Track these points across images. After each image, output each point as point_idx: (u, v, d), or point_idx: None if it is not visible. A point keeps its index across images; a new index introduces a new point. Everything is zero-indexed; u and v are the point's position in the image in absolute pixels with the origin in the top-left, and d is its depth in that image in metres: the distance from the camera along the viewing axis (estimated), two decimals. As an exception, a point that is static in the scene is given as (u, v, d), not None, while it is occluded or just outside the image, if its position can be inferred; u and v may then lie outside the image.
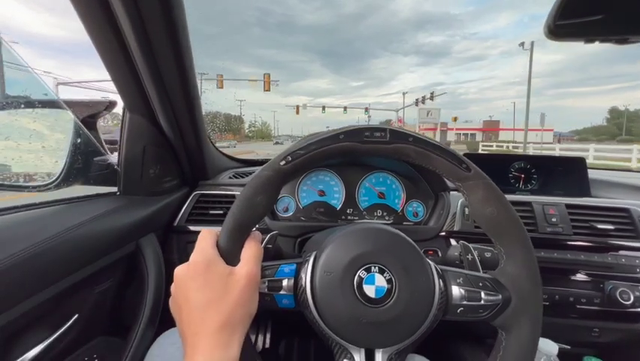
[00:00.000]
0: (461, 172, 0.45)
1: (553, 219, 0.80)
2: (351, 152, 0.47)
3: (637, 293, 0.74)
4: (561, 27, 0.49)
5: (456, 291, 0.44)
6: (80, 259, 0.57)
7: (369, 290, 0.42)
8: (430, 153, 0.46)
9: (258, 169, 0.47)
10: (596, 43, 0.52)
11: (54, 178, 0.70)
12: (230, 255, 0.42)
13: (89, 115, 0.72)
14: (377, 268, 0.43)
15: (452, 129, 41.86)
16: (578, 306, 0.77)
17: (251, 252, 0.43)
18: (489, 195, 0.45)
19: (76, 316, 0.58)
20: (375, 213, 0.91)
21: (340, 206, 0.91)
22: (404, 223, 0.89)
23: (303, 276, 0.45)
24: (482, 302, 0.43)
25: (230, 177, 1.02)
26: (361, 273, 0.43)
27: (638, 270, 0.76)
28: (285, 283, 0.45)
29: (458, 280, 0.45)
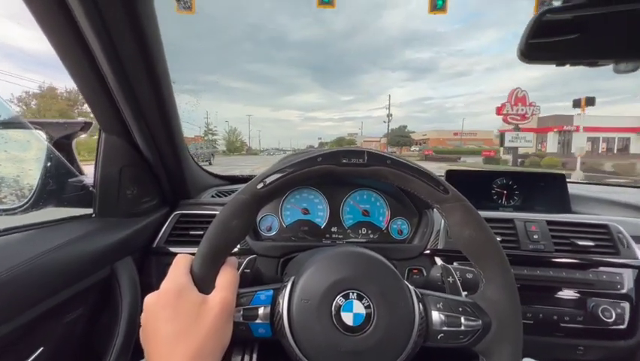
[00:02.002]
0: (439, 194, 0.45)
1: (535, 236, 0.81)
2: (329, 174, 0.47)
3: (618, 310, 0.74)
4: (532, 51, 0.51)
5: (436, 316, 0.43)
6: (48, 288, 0.54)
7: (347, 318, 0.41)
8: (407, 175, 0.46)
9: (241, 186, 0.46)
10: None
11: (24, 201, 0.68)
12: (203, 282, 0.41)
13: (63, 136, 0.70)
14: (355, 294, 0.42)
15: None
16: (562, 324, 0.77)
17: (225, 278, 0.42)
18: (467, 218, 0.45)
19: (41, 349, 0.55)
20: (360, 231, 0.90)
21: (324, 224, 0.90)
22: (389, 241, 0.88)
23: (280, 303, 0.43)
24: (462, 328, 0.42)
25: (212, 196, 1.00)
26: (339, 300, 0.42)
27: (618, 286, 0.77)
28: (261, 311, 0.43)
29: (438, 305, 0.44)
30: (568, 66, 0.54)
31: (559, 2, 0.50)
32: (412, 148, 52.56)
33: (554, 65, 0.55)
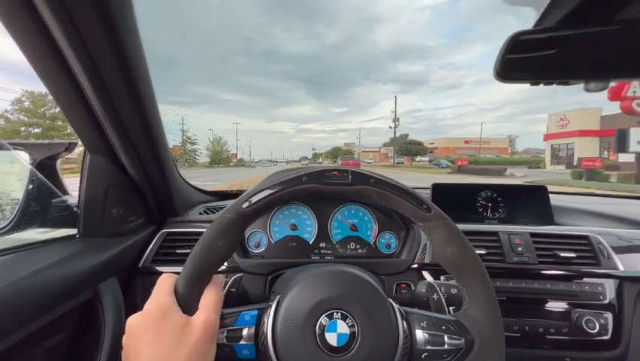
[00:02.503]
0: (422, 213, 0.46)
1: (519, 249, 0.82)
2: (314, 193, 0.48)
3: (602, 321, 0.76)
4: (507, 71, 0.53)
5: (420, 335, 0.43)
6: (28, 314, 0.53)
7: (332, 338, 0.41)
8: (390, 194, 0.47)
9: (230, 202, 0.47)
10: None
11: (6, 223, 0.67)
12: (187, 302, 0.41)
13: (47, 157, 0.70)
14: (339, 313, 0.43)
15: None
16: (548, 336, 0.77)
17: (209, 299, 0.42)
18: (450, 236, 0.46)
19: None
20: (349, 246, 0.91)
21: (313, 240, 0.90)
22: (377, 256, 0.89)
23: (265, 323, 0.43)
24: (446, 347, 0.43)
25: (201, 213, 0.99)
26: (323, 320, 0.42)
27: (601, 297, 0.78)
28: (245, 332, 0.43)
29: (422, 324, 0.44)
30: (541, 85, 0.57)
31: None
32: (418, 158, 47.88)
33: (529, 85, 0.58)
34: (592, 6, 0.45)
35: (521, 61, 0.51)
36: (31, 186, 0.67)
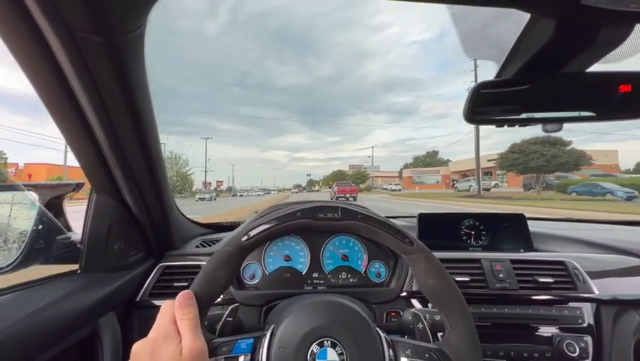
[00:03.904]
0: (405, 246, 0.52)
1: (501, 275, 0.87)
2: (307, 227, 0.53)
3: (582, 344, 0.79)
4: (474, 116, 0.61)
5: None
6: (32, 351, 0.55)
7: None
8: (376, 229, 0.53)
9: (226, 235, 0.51)
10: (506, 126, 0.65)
11: (12, 260, 0.70)
12: None
13: (54, 197, 0.74)
14: (329, 341, 0.46)
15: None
16: None
17: (181, 325, 0.43)
18: (430, 268, 0.51)
19: None
20: (340, 276, 0.94)
21: (306, 270, 0.94)
22: (368, 285, 0.92)
23: (260, 351, 0.46)
24: None
25: (197, 246, 1.03)
26: (314, 347, 0.46)
27: (580, 321, 0.82)
28: (241, 359, 0.46)
29: (407, 352, 0.48)
30: (506, 127, 0.65)
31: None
32: (466, 184, 27.69)
33: (495, 127, 0.66)
34: (542, 62, 0.53)
35: (486, 105, 0.60)
36: (38, 226, 0.70)
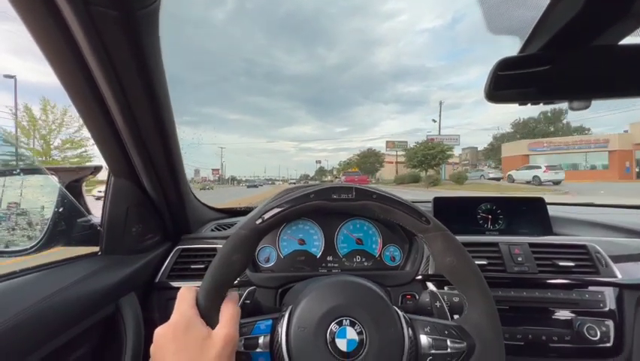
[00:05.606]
0: (421, 225, 0.51)
1: (519, 259, 0.85)
2: (321, 209, 0.52)
3: (603, 328, 0.77)
4: (496, 92, 0.59)
5: (424, 340, 0.47)
6: (58, 328, 0.57)
7: (342, 344, 0.45)
8: (392, 208, 0.52)
9: (240, 219, 0.51)
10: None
11: (36, 242, 0.72)
12: (208, 314, 0.45)
13: (74, 180, 0.75)
14: (348, 321, 0.46)
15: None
16: (551, 344, 0.79)
17: (228, 314, 0.45)
18: (448, 246, 0.50)
19: None
20: (355, 259, 0.94)
21: (320, 254, 0.94)
22: (382, 268, 0.92)
23: (279, 331, 0.47)
24: (449, 350, 0.46)
25: (212, 230, 1.04)
26: (333, 327, 0.46)
27: (601, 305, 0.80)
28: (261, 340, 0.46)
29: (426, 329, 0.48)
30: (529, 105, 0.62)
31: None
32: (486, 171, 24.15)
33: (517, 105, 0.63)
34: (570, 36, 0.50)
35: (509, 82, 0.57)
36: (60, 207, 0.72)
